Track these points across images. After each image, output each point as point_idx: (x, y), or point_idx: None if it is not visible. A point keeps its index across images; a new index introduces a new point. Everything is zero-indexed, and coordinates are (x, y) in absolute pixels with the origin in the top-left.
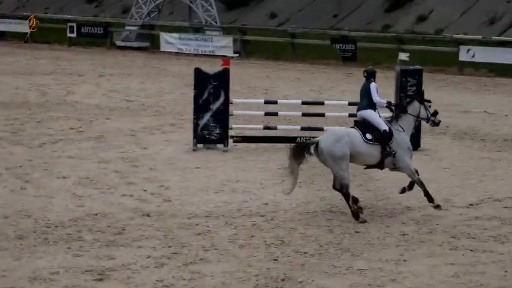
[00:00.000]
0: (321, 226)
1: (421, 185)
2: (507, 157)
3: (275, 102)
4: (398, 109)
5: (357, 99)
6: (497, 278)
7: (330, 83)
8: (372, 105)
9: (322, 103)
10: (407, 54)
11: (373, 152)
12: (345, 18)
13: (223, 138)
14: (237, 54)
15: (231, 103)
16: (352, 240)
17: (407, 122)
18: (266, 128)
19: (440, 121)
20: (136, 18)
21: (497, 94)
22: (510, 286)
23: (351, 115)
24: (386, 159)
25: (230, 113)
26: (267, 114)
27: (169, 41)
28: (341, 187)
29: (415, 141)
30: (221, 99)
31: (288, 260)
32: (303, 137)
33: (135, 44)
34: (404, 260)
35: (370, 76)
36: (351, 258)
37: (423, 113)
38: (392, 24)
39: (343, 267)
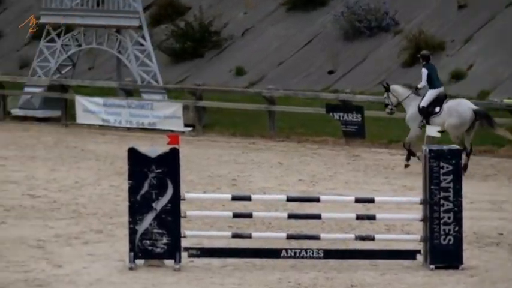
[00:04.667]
0: None
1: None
2: None
3: (248, 199)
4: None
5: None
6: None
7: (327, 170)
8: None
9: (317, 199)
10: (438, 128)
11: None
12: (345, 75)
13: (173, 251)
14: (189, 128)
15: (183, 199)
16: None
17: None
18: (236, 236)
19: None
20: (40, 75)
21: None
22: None
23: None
24: None
25: (183, 215)
26: (236, 216)
27: (89, 108)
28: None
29: (454, 255)
30: (168, 194)
31: None
32: (290, 249)
33: (39, 113)
34: None
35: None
36: None
37: None
38: (411, 80)
39: None
